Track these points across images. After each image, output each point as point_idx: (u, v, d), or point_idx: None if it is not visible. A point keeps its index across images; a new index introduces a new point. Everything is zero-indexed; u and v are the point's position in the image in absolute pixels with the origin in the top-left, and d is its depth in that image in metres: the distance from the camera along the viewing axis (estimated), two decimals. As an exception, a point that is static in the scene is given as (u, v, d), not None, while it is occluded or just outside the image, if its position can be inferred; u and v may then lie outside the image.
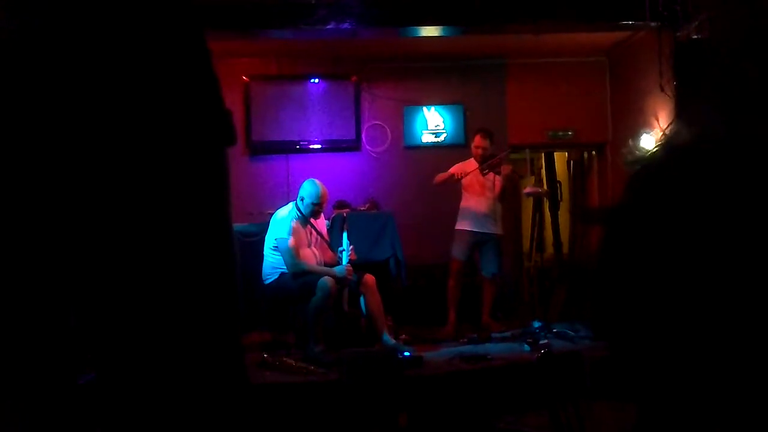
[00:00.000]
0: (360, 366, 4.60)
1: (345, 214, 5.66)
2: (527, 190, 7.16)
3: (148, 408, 0.91)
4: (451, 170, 6.38)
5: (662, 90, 6.24)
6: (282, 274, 5.36)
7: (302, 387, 4.60)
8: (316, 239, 5.55)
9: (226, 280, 0.96)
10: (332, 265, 5.43)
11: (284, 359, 4.96)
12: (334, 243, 5.65)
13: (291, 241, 5.26)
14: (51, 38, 0.87)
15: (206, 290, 0.93)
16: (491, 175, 6.31)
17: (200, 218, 0.93)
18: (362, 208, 7.13)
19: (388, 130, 7.80)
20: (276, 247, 5.34)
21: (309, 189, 5.44)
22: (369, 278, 5.41)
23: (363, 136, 7.76)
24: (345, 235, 5.51)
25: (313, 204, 5.41)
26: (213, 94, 0.97)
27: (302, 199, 5.43)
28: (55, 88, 0.86)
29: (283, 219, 5.35)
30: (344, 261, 5.39)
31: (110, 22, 0.89)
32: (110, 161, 0.87)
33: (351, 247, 5.46)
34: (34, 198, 0.87)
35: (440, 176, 6.37)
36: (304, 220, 5.45)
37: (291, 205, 5.49)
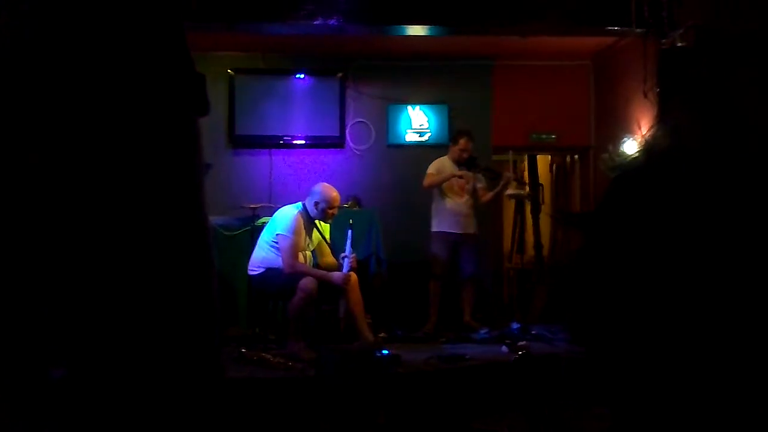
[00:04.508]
0: (338, 363, 4.60)
1: (351, 221, 5.61)
2: (509, 192, 7.18)
3: (123, 403, 0.88)
4: (447, 174, 6.39)
5: (645, 96, 6.28)
6: (268, 269, 5.33)
7: (280, 382, 4.59)
8: (311, 243, 5.52)
9: (200, 262, 0.92)
10: (330, 270, 5.41)
11: (262, 354, 4.95)
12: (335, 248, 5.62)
13: (293, 240, 5.23)
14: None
15: (178, 270, 0.89)
16: (468, 176, 6.39)
17: (169, 191, 0.87)
18: (344, 206, 7.12)
19: (372, 128, 7.79)
20: (276, 242, 5.31)
21: (326, 193, 5.42)
22: (351, 276, 5.40)
23: (347, 133, 7.74)
24: (348, 242, 5.44)
25: (330, 208, 5.41)
26: (182, 56, 0.90)
27: (316, 203, 5.39)
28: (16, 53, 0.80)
29: (290, 216, 5.32)
30: (345, 269, 5.35)
31: None
32: (77, 134, 0.81)
33: (353, 255, 5.42)
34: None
35: (438, 179, 6.38)
36: (310, 222, 5.43)
37: (299, 204, 5.46)
